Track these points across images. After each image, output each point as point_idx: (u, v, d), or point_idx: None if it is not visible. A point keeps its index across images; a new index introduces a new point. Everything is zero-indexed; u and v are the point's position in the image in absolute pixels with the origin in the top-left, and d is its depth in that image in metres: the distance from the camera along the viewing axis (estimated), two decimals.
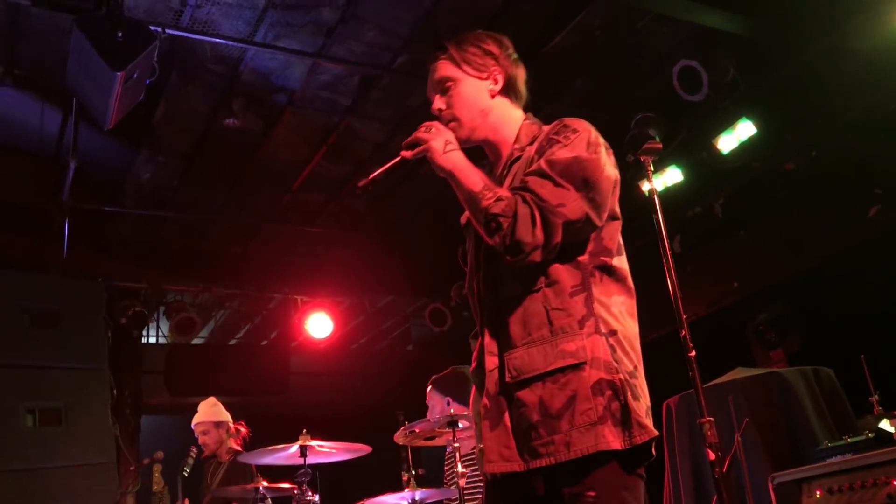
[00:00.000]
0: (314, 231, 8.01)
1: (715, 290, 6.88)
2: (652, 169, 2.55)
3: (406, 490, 4.53)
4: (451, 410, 4.31)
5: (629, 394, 1.93)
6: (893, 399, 4.23)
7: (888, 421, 3.91)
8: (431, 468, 5.85)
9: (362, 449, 4.70)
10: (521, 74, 2.30)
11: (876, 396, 4.18)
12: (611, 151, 2.12)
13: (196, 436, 5.71)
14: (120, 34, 4.19)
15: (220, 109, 6.02)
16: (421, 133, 2.15)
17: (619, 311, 2.04)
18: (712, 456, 2.89)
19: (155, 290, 8.09)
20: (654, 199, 3.11)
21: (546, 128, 2.17)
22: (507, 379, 2.02)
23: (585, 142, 2.04)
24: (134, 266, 7.77)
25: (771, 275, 6.51)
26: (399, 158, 2.18)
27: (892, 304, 5.24)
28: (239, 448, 5.74)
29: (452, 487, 4.49)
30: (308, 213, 7.67)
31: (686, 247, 6.74)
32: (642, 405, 1.97)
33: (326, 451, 4.62)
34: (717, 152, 6.03)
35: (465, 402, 4.43)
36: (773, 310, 6.37)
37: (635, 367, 2.01)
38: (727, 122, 5.90)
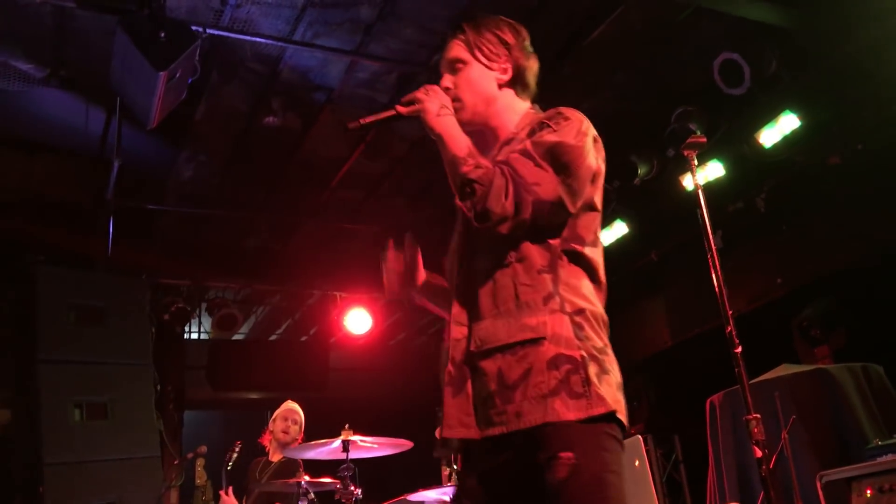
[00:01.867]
0: (353, 228, 8.05)
1: (758, 286, 6.77)
2: (696, 163, 2.51)
3: (447, 485, 4.53)
4: None
5: (593, 368, 1.95)
6: None
7: None
8: None
9: (404, 444, 4.71)
10: (532, 67, 2.32)
11: None
12: (599, 144, 2.15)
13: (284, 420, 5.67)
14: (162, 34, 4.26)
15: (259, 108, 6.07)
16: (419, 93, 2.22)
17: (589, 293, 2.08)
18: (759, 453, 2.85)
19: (197, 286, 8.19)
20: (697, 194, 3.08)
21: (542, 114, 2.20)
22: (472, 348, 2.06)
23: (575, 130, 2.08)
24: (176, 263, 7.88)
25: (815, 270, 6.37)
26: (394, 112, 2.27)
27: None
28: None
29: None
30: (347, 210, 7.71)
31: (728, 242, 6.63)
32: (612, 379, 2.00)
33: (368, 447, 4.65)
34: (760, 146, 5.93)
35: None
36: (818, 306, 6.26)
37: (605, 345, 2.04)
38: (770, 116, 5.80)
